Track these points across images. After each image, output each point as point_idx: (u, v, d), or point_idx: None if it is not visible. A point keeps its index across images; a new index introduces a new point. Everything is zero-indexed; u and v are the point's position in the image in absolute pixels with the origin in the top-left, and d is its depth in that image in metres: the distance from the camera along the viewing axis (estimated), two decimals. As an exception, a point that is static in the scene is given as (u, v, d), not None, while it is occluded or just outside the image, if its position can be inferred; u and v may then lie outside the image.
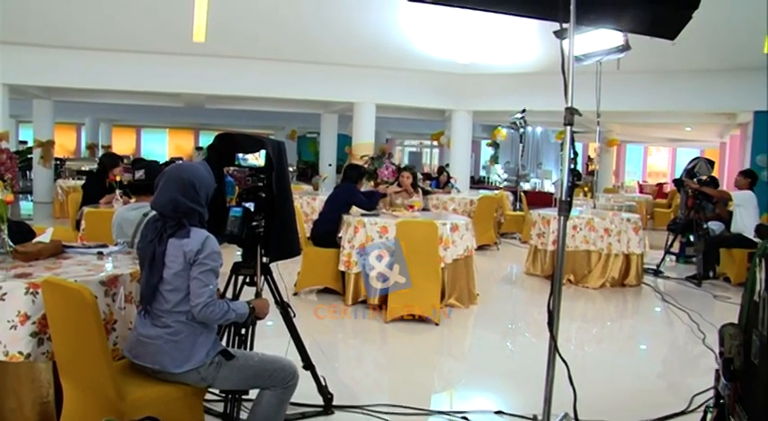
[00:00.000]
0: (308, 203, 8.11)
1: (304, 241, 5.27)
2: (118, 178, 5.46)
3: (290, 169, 15.20)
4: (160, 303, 2.16)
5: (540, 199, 15.13)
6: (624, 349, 4.55)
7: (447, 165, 12.85)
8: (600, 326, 5.22)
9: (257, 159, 2.62)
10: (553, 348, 2.41)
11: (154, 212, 2.27)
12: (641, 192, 16.96)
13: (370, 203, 5.45)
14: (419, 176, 12.23)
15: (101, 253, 2.87)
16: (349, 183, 5.58)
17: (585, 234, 6.29)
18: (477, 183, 20.37)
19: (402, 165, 8.59)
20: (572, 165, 2.36)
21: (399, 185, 6.45)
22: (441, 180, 10.10)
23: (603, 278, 6.27)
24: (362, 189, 5.71)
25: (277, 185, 2.62)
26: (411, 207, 5.76)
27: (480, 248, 7.78)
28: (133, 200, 3.60)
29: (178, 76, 10.49)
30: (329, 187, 6.83)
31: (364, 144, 11.45)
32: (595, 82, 6.63)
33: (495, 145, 21.26)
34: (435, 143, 20.27)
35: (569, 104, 2.36)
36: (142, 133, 23.51)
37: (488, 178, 20.89)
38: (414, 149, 25.68)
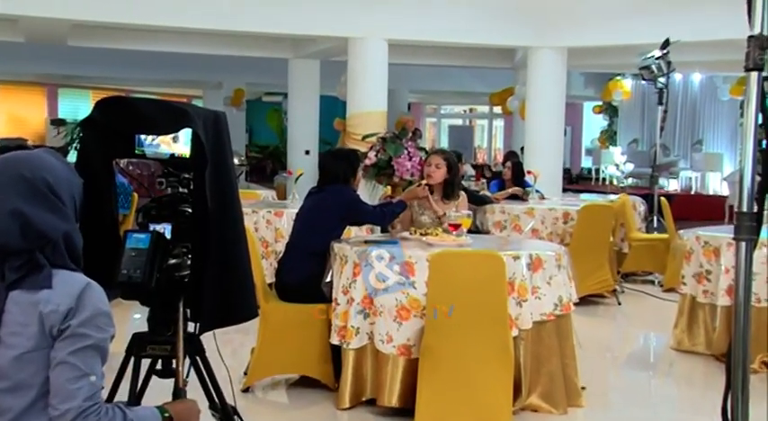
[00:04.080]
0: (268, 223, 8.17)
1: (262, 292, 5.28)
2: None
3: (237, 162, 15.24)
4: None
5: (698, 208, 15.12)
6: None
7: (521, 148, 12.90)
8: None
9: (176, 145, 2.62)
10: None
11: None
12: None
13: (384, 217, 5.46)
14: (466, 171, 12.22)
15: None
16: (338, 184, 5.64)
17: (795, 275, 6.27)
18: (575, 180, 20.46)
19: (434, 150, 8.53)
20: (765, 143, 2.33)
21: (428, 186, 6.31)
22: (505, 175, 10.09)
23: (839, 360, 6.23)
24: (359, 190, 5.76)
25: (213, 191, 2.64)
26: (455, 227, 5.75)
27: (585, 301, 7.74)
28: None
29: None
30: (305, 192, 6.79)
31: (369, 114, 11.53)
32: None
33: (610, 110, 21.42)
34: (498, 110, 20.37)
35: (758, 30, 2.32)
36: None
37: (598, 172, 20.94)
38: (458, 122, 25.91)
